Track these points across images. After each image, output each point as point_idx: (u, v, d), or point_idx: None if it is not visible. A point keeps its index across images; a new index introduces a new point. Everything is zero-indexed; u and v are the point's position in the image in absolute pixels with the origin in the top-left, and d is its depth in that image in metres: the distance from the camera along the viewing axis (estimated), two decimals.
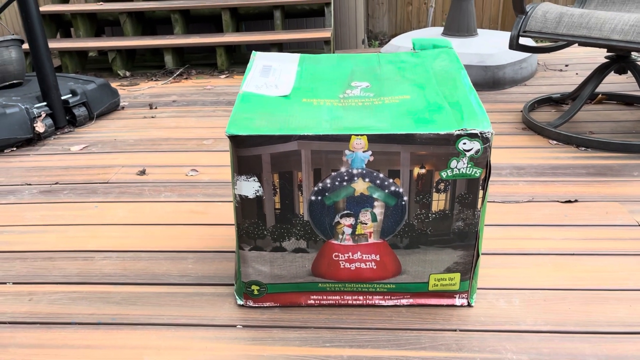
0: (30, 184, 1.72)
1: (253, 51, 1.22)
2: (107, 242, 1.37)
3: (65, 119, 2.22)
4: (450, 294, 1.08)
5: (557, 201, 1.49)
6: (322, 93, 1.07)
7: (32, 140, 2.09)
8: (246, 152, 0.95)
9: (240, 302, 1.11)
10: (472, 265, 1.05)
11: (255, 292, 1.08)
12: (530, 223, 1.38)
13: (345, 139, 0.93)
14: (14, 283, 1.22)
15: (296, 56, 1.22)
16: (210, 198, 1.57)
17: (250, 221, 1.01)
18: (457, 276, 1.06)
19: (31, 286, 1.20)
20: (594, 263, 1.21)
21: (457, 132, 0.92)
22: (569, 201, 1.48)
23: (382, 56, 1.22)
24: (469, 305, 1.09)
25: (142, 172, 1.76)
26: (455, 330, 1.03)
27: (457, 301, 1.09)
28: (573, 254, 1.25)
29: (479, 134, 0.92)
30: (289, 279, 1.07)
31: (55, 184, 1.72)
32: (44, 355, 1.00)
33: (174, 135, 2.12)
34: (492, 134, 0.93)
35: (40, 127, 2.07)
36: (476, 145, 0.93)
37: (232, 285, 1.17)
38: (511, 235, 1.33)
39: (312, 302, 1.10)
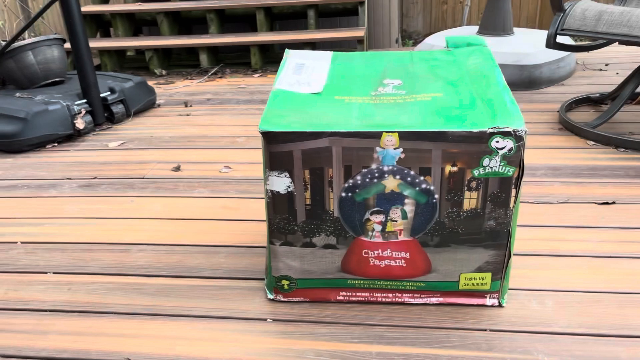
0: (70, 178, 1.78)
1: (286, 49, 1.23)
2: (142, 235, 1.40)
3: (104, 115, 2.28)
4: (480, 294, 1.07)
5: (594, 203, 1.45)
6: (354, 90, 1.07)
7: (73, 136, 2.16)
8: (278, 148, 0.96)
9: (270, 296, 1.12)
10: (504, 265, 1.04)
11: (286, 287, 1.10)
12: (565, 224, 1.36)
13: (377, 135, 0.93)
14: (54, 273, 1.26)
15: (329, 54, 1.23)
16: (242, 194, 1.59)
17: (281, 216, 1.02)
18: (488, 276, 1.05)
19: (70, 276, 1.25)
20: (631, 266, 1.18)
21: (490, 130, 0.91)
22: (607, 203, 1.45)
23: (414, 54, 1.22)
24: (500, 305, 1.08)
25: (177, 168, 1.79)
26: (486, 330, 1.02)
27: (488, 301, 1.08)
28: (609, 257, 1.22)
29: (512, 132, 0.91)
30: (319, 275, 1.07)
31: (94, 178, 1.77)
32: (82, 342, 1.03)
33: (208, 132, 2.16)
34: (525, 132, 0.91)
35: (80, 123, 2.13)
36: (509, 144, 0.92)
37: (263, 279, 1.19)
38: (545, 237, 1.31)
39: (342, 298, 1.10)
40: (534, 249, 1.26)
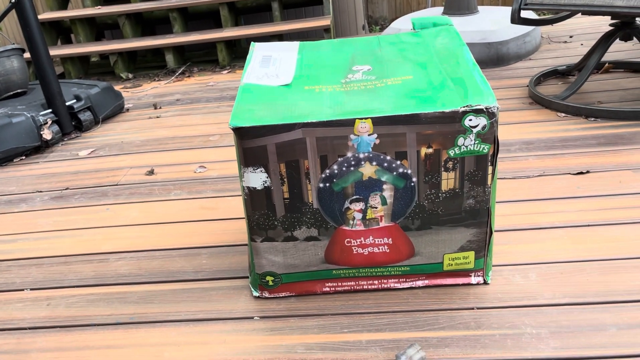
0: (41, 191, 1.73)
1: (252, 42, 1.21)
2: (120, 243, 1.38)
3: (71, 124, 2.23)
4: (465, 273, 1.08)
5: (569, 173, 1.47)
6: (323, 79, 1.06)
7: (40, 147, 2.11)
8: (251, 144, 0.94)
9: (256, 293, 1.11)
10: (486, 242, 1.04)
11: (270, 283, 1.08)
12: (542, 197, 1.37)
13: (350, 123, 0.92)
14: (31, 289, 1.23)
15: (295, 44, 1.22)
16: (220, 193, 1.57)
17: (260, 212, 1.00)
18: (471, 254, 1.05)
19: (48, 291, 1.21)
20: (610, 233, 1.20)
21: (462, 109, 0.91)
22: (581, 173, 1.46)
23: (382, 38, 1.21)
24: (485, 282, 1.08)
25: (151, 172, 1.76)
26: (473, 309, 1.02)
27: (473, 279, 1.08)
28: (588, 225, 1.24)
29: (485, 109, 0.91)
30: (303, 268, 1.06)
31: (66, 189, 1.73)
32: (66, 358, 1.00)
33: (179, 133, 2.12)
34: (497, 108, 0.91)
35: (47, 134, 2.08)
36: (482, 121, 0.92)
37: (247, 277, 1.18)
38: (524, 211, 1.32)
39: (328, 289, 1.10)
40: (514, 224, 1.27)
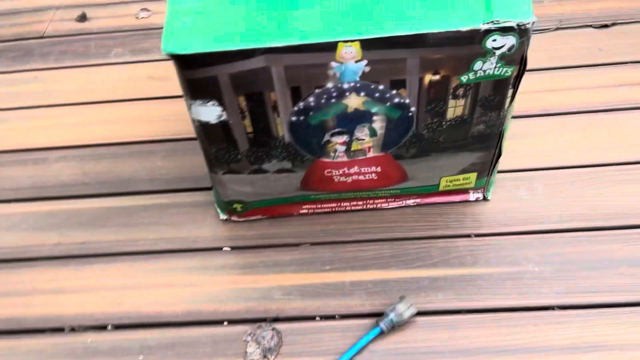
0: None
1: None
2: (57, 133, 1.16)
3: None
4: (463, 191, 0.93)
5: (590, 26, 1.22)
6: None
7: None
8: (197, 74, 0.69)
9: (223, 216, 0.96)
10: (492, 164, 0.88)
11: (239, 209, 0.93)
12: (556, 65, 1.15)
13: (330, 47, 0.67)
14: None
15: None
16: None
17: (219, 146, 0.80)
18: (472, 175, 0.89)
19: None
20: (634, 122, 1.03)
21: (486, 27, 0.66)
22: (605, 26, 1.22)
23: None
24: (485, 199, 0.95)
25: (83, 18, 1.43)
26: (470, 236, 0.91)
27: (472, 196, 0.94)
28: (606, 110, 1.06)
29: (516, 27, 0.66)
30: (276, 195, 0.91)
31: None
32: (12, 307, 0.89)
33: None
34: (534, 23, 0.66)
35: None
36: (510, 41, 0.67)
37: (210, 189, 1.02)
38: (534, 87, 1.11)
39: (305, 211, 0.95)
40: (522, 108, 1.07)
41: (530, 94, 1.10)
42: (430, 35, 0.66)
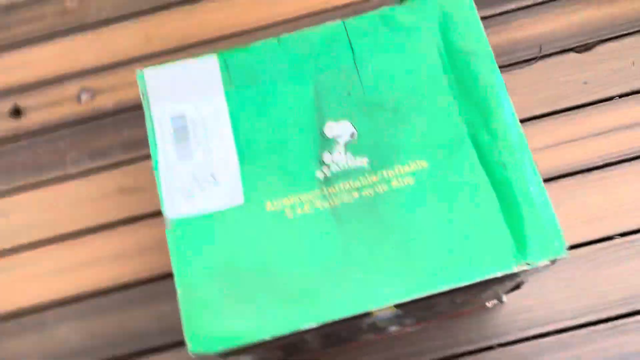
0: None
1: (137, 71, 0.69)
2: (44, 285, 1.09)
3: None
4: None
5: (571, 50, 1.16)
6: (288, 175, 0.67)
7: None
8: (230, 355, 0.66)
9: None
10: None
11: None
12: (543, 112, 1.11)
13: (365, 315, 0.64)
14: None
15: (214, 73, 0.72)
16: (131, 151, 1.18)
17: None
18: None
19: None
20: (629, 177, 1.03)
21: (517, 269, 0.63)
22: (587, 49, 1.15)
23: (352, 33, 0.72)
24: (500, 302, 0.97)
25: (17, 112, 1.26)
26: (494, 347, 0.95)
27: (489, 304, 0.97)
28: (597, 167, 1.05)
29: (549, 264, 0.63)
30: None
31: None
32: None
33: None
34: (565, 247, 0.64)
35: None
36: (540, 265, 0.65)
37: None
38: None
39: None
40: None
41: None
42: (462, 287, 0.63)
